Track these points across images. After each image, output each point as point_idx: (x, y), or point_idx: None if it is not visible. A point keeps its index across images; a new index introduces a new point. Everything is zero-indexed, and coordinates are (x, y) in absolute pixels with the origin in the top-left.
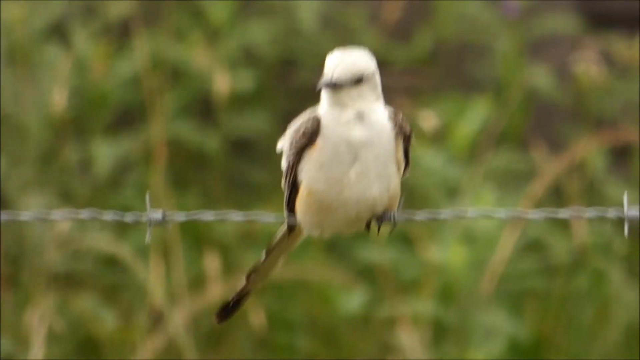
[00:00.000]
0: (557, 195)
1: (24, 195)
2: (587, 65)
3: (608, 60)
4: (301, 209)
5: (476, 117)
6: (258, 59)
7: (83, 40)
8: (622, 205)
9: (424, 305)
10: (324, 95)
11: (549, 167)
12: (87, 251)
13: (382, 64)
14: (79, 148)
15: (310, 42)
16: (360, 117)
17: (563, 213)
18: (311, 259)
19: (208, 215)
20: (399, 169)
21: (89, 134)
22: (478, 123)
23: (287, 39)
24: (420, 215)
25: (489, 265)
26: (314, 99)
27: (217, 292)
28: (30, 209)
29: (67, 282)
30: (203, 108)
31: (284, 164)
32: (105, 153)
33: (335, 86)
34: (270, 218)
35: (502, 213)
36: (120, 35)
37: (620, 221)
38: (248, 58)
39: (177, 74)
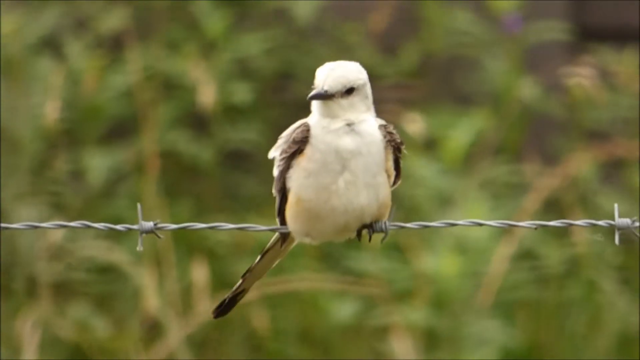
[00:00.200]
0: (549, 207)
1: (18, 205)
2: (579, 79)
3: (599, 73)
4: (290, 216)
5: (469, 129)
6: (253, 71)
7: (76, 52)
8: (613, 216)
9: (417, 314)
10: (315, 105)
11: (545, 181)
12: (80, 260)
13: (373, 77)
14: (72, 159)
15: (305, 54)
16: (350, 127)
17: (553, 223)
18: (304, 267)
19: (199, 225)
20: (389, 178)
21: (82, 146)
22: (471, 135)
23: (281, 51)
24: (412, 224)
25: (486, 275)
26: (308, 111)
27: (207, 301)
28: (23, 219)
29: (60, 291)
30: (197, 120)
31: (275, 172)
32: (99, 164)
33: (326, 96)
34: (261, 228)
35: (492, 222)
36: (113, 47)
37: (611, 231)
38: (243, 70)
39: (170, 86)
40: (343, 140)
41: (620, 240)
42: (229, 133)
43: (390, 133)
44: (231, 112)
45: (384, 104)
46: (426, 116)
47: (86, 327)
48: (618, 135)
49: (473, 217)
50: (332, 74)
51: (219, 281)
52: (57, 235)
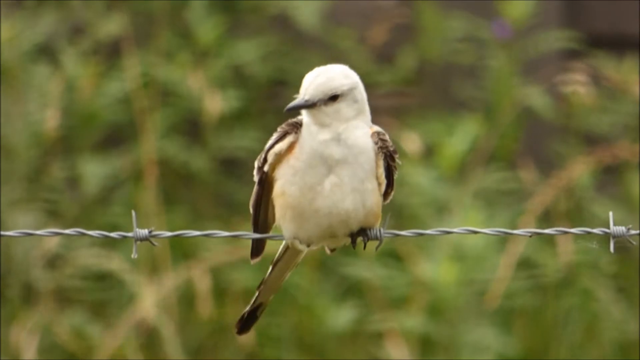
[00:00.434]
0: (544, 215)
1: (13, 213)
2: (576, 86)
3: (596, 80)
4: (278, 212)
5: (465, 136)
6: (247, 78)
7: (72, 59)
8: (608, 224)
9: (413, 321)
10: (302, 112)
11: (545, 189)
12: (75, 268)
13: (369, 85)
14: (68, 166)
15: (298, 61)
16: (337, 138)
17: (548, 231)
18: (300, 274)
19: (193, 233)
20: (379, 186)
21: (78, 153)
22: (467, 142)
23: (275, 58)
24: (406, 232)
25: (487, 282)
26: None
27: (205, 308)
28: (19, 226)
29: (56, 298)
30: (192, 127)
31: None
32: (94, 171)
33: (307, 106)
34: (255, 236)
35: (487, 230)
36: (109, 55)
37: (607, 240)
38: (237, 77)
39: (166, 94)
40: (329, 149)
41: (616, 248)
42: (224, 140)
43: (382, 140)
44: (226, 119)
45: (379, 113)
46: (422, 123)
47: (82, 334)
48: (615, 141)
49: (469, 225)
50: (314, 81)
51: (214, 288)
52: (53, 243)
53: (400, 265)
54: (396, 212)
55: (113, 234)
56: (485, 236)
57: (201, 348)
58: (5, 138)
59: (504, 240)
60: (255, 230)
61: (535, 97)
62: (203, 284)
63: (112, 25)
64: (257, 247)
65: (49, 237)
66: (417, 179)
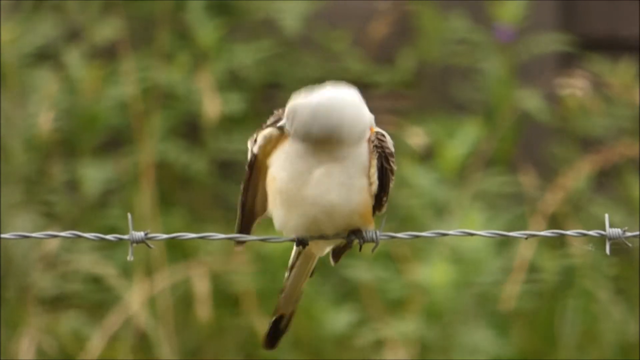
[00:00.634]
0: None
1: (12, 215)
2: (573, 89)
3: (593, 83)
4: (270, 199)
5: (466, 138)
6: (245, 81)
7: (72, 62)
8: (612, 226)
9: (409, 324)
10: None
11: (549, 194)
12: (74, 271)
13: (366, 86)
14: (67, 169)
15: (294, 64)
16: None
17: (544, 233)
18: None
19: (190, 235)
20: (371, 185)
21: (77, 156)
22: (468, 145)
23: (271, 61)
24: (403, 234)
25: (485, 286)
26: None
27: (204, 311)
28: (17, 229)
29: (54, 301)
30: (190, 130)
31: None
32: (93, 174)
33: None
34: (251, 238)
35: (483, 233)
36: (108, 58)
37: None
38: (235, 80)
39: (165, 97)
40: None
41: (614, 250)
42: (223, 143)
43: (380, 140)
44: (224, 122)
45: (377, 114)
46: (420, 125)
47: (80, 336)
48: (612, 143)
49: (469, 228)
50: (315, 122)
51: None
52: (51, 245)
53: (398, 268)
54: (394, 214)
55: (109, 237)
56: (485, 239)
57: (198, 350)
58: (4, 140)
59: (503, 243)
60: (242, 216)
61: (531, 100)
62: (201, 286)
63: (110, 28)
64: (244, 230)
65: (48, 239)
66: (417, 180)
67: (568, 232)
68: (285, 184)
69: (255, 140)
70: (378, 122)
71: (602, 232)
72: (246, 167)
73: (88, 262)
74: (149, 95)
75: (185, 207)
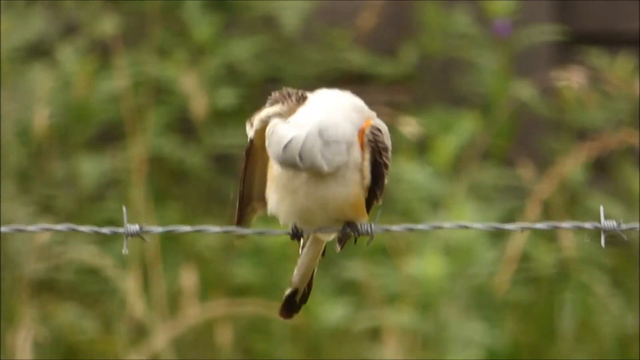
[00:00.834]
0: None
1: (7, 209)
2: (569, 82)
3: (589, 76)
4: (267, 184)
5: (461, 132)
6: (241, 75)
7: (66, 57)
8: (609, 218)
9: (403, 316)
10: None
11: (542, 186)
12: (68, 263)
13: (366, 79)
14: (63, 164)
15: (292, 59)
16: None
17: (540, 225)
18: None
19: (184, 229)
20: (363, 179)
21: (72, 150)
22: (463, 138)
23: (269, 56)
24: (397, 227)
25: (479, 277)
26: None
27: (195, 303)
28: (14, 222)
29: (48, 292)
30: (186, 125)
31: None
32: (88, 169)
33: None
34: (246, 231)
35: (478, 225)
36: (103, 53)
37: (610, 235)
38: (231, 75)
39: (160, 92)
40: None
41: (612, 242)
42: (218, 137)
43: (374, 134)
44: (220, 117)
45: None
46: (419, 118)
47: (75, 328)
48: (610, 134)
49: (464, 220)
50: (311, 150)
51: (210, 284)
52: (46, 238)
53: (393, 261)
54: (390, 207)
55: (104, 230)
56: (479, 231)
57: (194, 343)
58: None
59: (498, 235)
60: (240, 203)
61: (528, 92)
62: (190, 280)
63: (106, 24)
64: (241, 217)
65: (44, 232)
66: (412, 174)
67: (563, 225)
68: (279, 172)
69: (252, 124)
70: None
71: (598, 225)
72: (243, 153)
73: (85, 254)
74: (143, 90)
75: (180, 202)
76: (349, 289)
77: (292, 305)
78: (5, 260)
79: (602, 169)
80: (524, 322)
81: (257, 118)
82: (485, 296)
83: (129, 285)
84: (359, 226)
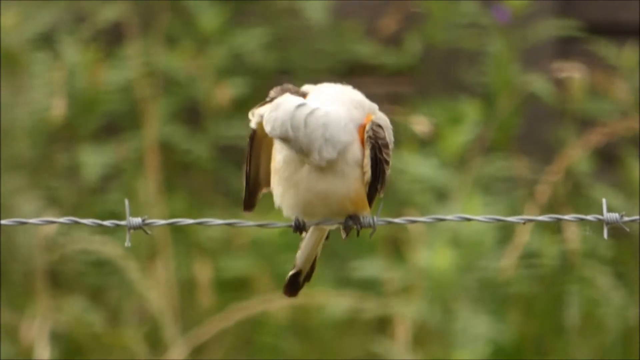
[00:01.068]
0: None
1: (15, 200)
2: (573, 72)
3: (593, 67)
4: (271, 175)
5: (468, 122)
6: (250, 66)
7: (74, 47)
8: (612, 210)
9: (411, 308)
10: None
11: (546, 178)
12: (76, 254)
13: (372, 70)
14: (71, 154)
15: (302, 50)
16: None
17: (542, 218)
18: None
19: (187, 221)
20: (364, 175)
21: (79, 141)
22: (470, 129)
23: (278, 47)
24: (400, 219)
25: (485, 270)
26: None
27: (206, 296)
28: (20, 214)
29: (57, 284)
30: (193, 115)
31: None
32: (95, 159)
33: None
34: (249, 224)
35: (480, 218)
36: (111, 43)
37: (612, 227)
38: (240, 65)
39: (168, 82)
40: None
41: (615, 235)
42: (225, 129)
43: (374, 130)
44: (228, 107)
45: (382, 97)
46: (424, 109)
47: (83, 321)
48: (614, 124)
49: (469, 212)
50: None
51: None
52: (54, 230)
53: (400, 253)
54: (395, 199)
55: (106, 222)
56: (486, 224)
57: (198, 333)
58: (6, 125)
59: (505, 227)
60: (247, 187)
61: (537, 83)
62: (204, 272)
63: (114, 13)
64: (250, 200)
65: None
66: (417, 165)
67: (565, 217)
68: (280, 166)
69: (254, 116)
70: (381, 107)
71: (600, 217)
72: (247, 142)
73: (93, 245)
74: (150, 80)
75: (187, 192)
76: (357, 282)
77: (295, 284)
78: (13, 252)
79: (607, 160)
80: (528, 315)
81: (257, 113)
82: (492, 289)
83: (139, 277)
84: (362, 219)
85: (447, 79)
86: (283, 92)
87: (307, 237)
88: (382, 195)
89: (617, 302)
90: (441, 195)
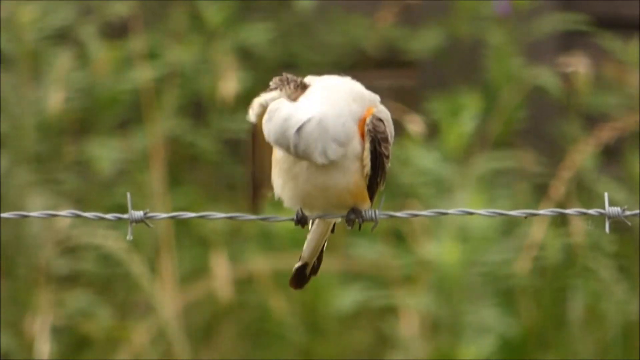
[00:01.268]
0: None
1: (24, 194)
2: (577, 66)
3: (598, 61)
4: (272, 167)
5: (470, 115)
6: (256, 59)
7: (86, 42)
8: (615, 204)
9: (417, 300)
10: None
11: (557, 174)
12: (84, 248)
13: (378, 64)
14: (79, 148)
15: (307, 44)
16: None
17: (543, 212)
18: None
19: (189, 215)
20: (363, 168)
21: (89, 135)
22: (472, 122)
23: (284, 41)
24: (401, 213)
25: (492, 264)
26: None
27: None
28: (29, 208)
29: (62, 279)
30: (200, 109)
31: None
32: (104, 153)
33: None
34: (250, 217)
35: (482, 211)
36: (120, 37)
37: (614, 221)
38: (245, 59)
39: (176, 76)
40: None
41: (618, 229)
42: (230, 122)
43: (374, 124)
44: (234, 100)
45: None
46: (428, 103)
47: (90, 315)
48: (618, 119)
49: (473, 206)
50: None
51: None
52: (62, 223)
53: (406, 245)
54: (398, 192)
55: (108, 216)
56: (492, 218)
57: (207, 327)
58: (18, 119)
59: (512, 221)
60: (253, 180)
61: (543, 76)
62: (221, 266)
63: (123, 7)
64: (255, 196)
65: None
66: (419, 159)
67: (567, 211)
68: (280, 157)
69: (254, 109)
70: (384, 101)
71: (602, 211)
72: (250, 137)
73: (99, 239)
74: (159, 74)
75: (194, 186)
76: (363, 274)
77: (302, 277)
78: (20, 245)
79: (611, 154)
80: (534, 308)
81: (257, 102)
82: (498, 282)
83: (145, 272)
84: (363, 212)
85: (453, 72)
86: (282, 82)
87: (313, 229)
88: (382, 188)
89: (620, 296)
90: (444, 189)
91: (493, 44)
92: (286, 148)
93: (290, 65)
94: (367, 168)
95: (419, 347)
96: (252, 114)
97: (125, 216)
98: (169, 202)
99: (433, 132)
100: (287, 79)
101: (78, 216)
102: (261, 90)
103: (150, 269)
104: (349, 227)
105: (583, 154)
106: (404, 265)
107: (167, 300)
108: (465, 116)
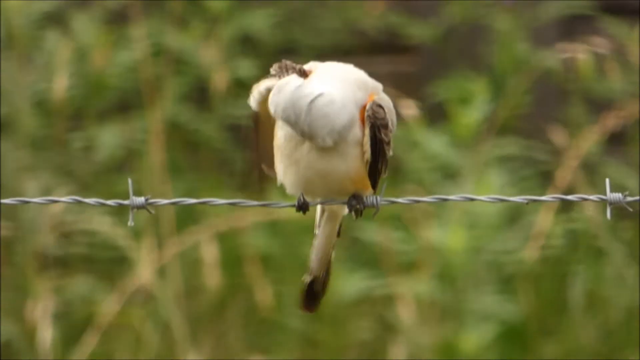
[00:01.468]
0: (548, 180)
1: (23, 180)
2: (583, 52)
3: (604, 47)
4: (274, 152)
5: (477, 101)
6: (258, 45)
7: (83, 26)
8: (621, 190)
9: (421, 286)
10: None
11: (563, 161)
12: (84, 234)
13: (378, 49)
14: (79, 134)
15: (309, 28)
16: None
17: (545, 198)
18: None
19: (190, 201)
20: (364, 154)
21: (88, 120)
22: (481, 108)
23: (285, 27)
24: (403, 199)
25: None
26: None
27: (213, 276)
28: (27, 194)
29: (62, 264)
30: (202, 95)
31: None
32: (105, 139)
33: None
34: (252, 203)
35: (483, 198)
36: (120, 22)
37: (620, 207)
38: (248, 45)
39: (177, 62)
40: None
41: (623, 215)
42: (231, 108)
43: (374, 110)
44: (235, 87)
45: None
46: (431, 87)
47: (90, 301)
48: (626, 105)
49: (481, 192)
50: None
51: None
52: (61, 209)
53: (410, 230)
54: (402, 177)
55: (110, 202)
56: (499, 204)
57: (209, 315)
58: (14, 105)
59: (518, 208)
60: (258, 165)
61: (548, 61)
62: (210, 251)
63: None
64: (260, 180)
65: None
66: (426, 143)
67: (569, 197)
68: (281, 142)
69: (254, 96)
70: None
71: (603, 197)
72: (251, 123)
73: (100, 225)
74: (160, 60)
75: (194, 172)
76: (366, 260)
77: (312, 296)
78: (19, 231)
79: (616, 140)
80: (538, 294)
81: (257, 90)
82: (501, 270)
83: (144, 257)
84: (365, 198)
85: (455, 56)
86: (281, 69)
87: (319, 233)
88: (385, 175)
89: (627, 282)
90: (450, 175)
91: (498, 29)
92: (293, 121)
93: (291, 51)
94: (367, 154)
95: (421, 334)
96: (252, 101)
97: (126, 202)
98: (172, 187)
99: (434, 116)
100: (287, 65)
101: (79, 202)
102: (263, 76)
103: (152, 254)
104: (354, 217)
105: (589, 140)
106: (408, 252)
107: (167, 285)
108: (475, 103)
